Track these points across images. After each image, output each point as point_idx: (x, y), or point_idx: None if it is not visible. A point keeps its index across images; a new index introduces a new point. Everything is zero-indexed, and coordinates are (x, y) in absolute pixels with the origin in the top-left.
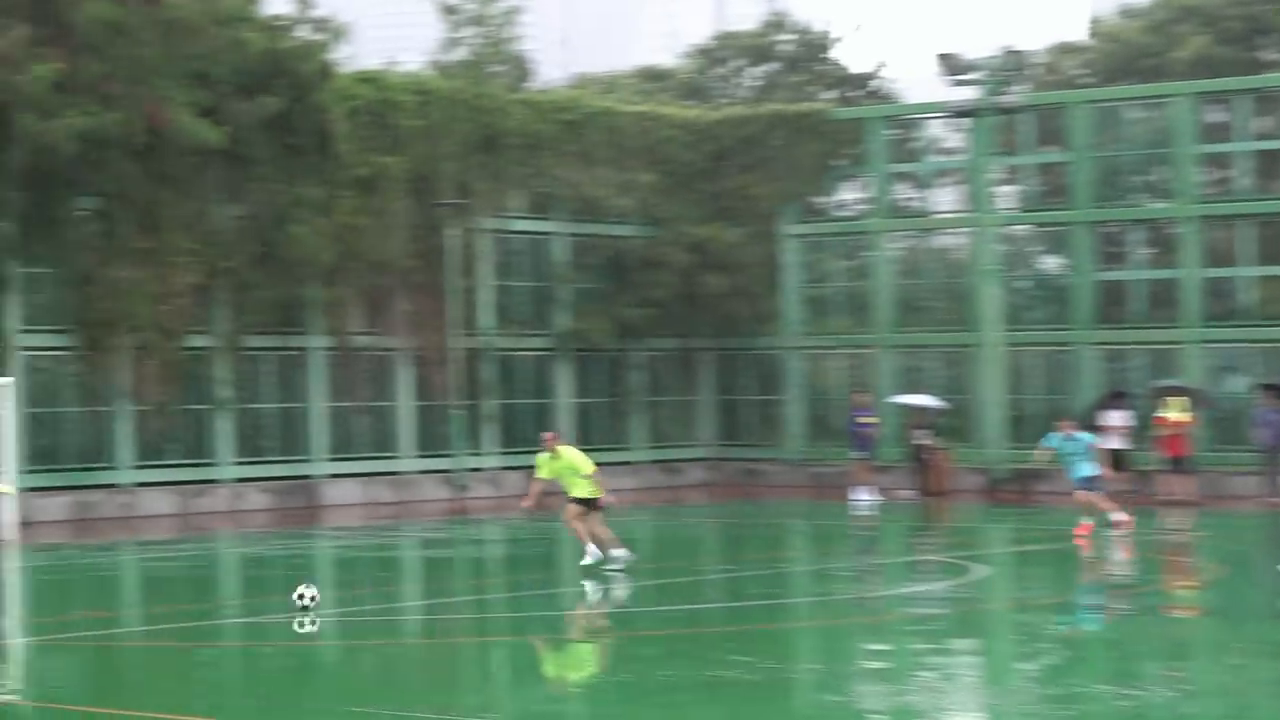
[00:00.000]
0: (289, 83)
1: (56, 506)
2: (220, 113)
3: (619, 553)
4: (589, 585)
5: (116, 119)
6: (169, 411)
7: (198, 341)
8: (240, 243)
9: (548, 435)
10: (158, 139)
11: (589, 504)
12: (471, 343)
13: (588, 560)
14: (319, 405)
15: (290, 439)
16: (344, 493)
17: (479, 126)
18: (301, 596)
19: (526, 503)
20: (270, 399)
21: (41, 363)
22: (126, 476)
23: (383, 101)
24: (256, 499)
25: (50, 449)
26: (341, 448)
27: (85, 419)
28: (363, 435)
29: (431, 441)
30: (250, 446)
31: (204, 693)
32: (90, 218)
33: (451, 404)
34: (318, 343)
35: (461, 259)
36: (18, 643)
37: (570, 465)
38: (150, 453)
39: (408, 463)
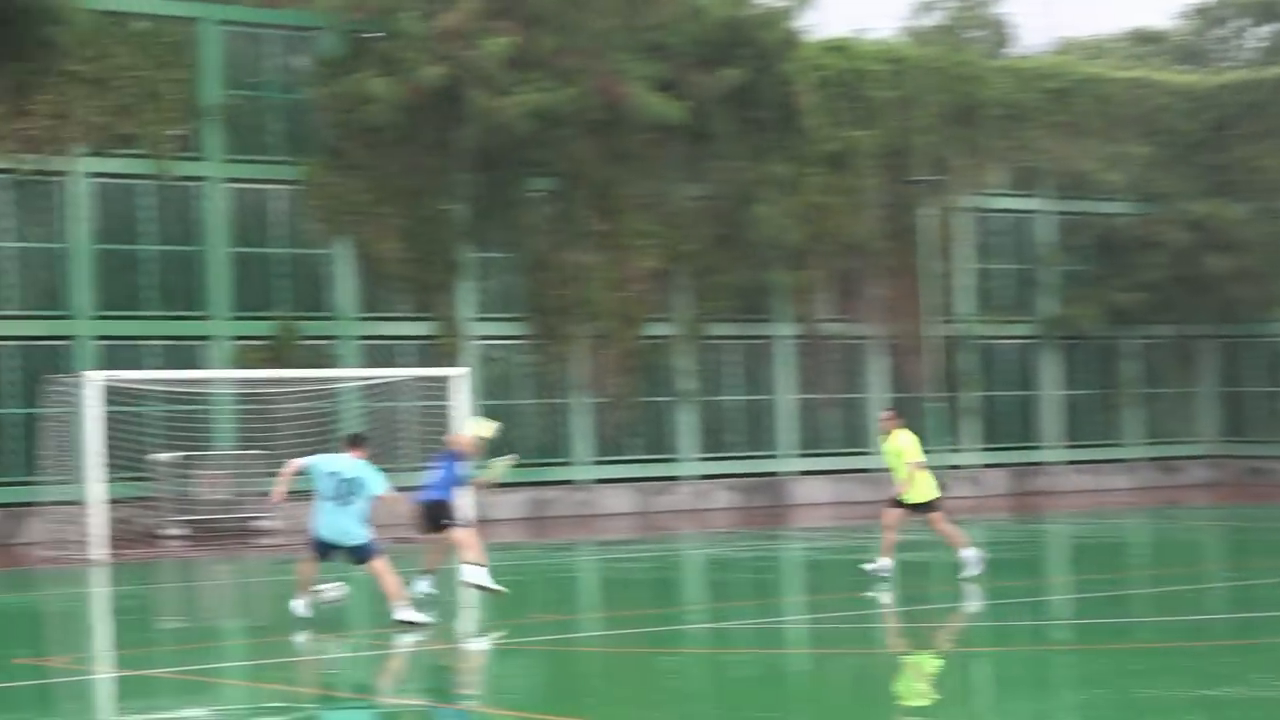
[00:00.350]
0: (752, 53)
1: (513, 504)
2: (679, 86)
3: (969, 554)
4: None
5: (571, 95)
6: (628, 404)
7: (658, 330)
8: (701, 224)
9: (883, 414)
10: (614, 115)
11: (915, 509)
12: (949, 330)
13: (871, 567)
14: (786, 397)
15: (756, 433)
16: (813, 491)
17: (956, 96)
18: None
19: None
20: (734, 391)
21: (495, 353)
22: (584, 473)
23: (852, 71)
24: (721, 497)
25: (502, 445)
26: (810, 443)
27: (541, 412)
28: (833, 430)
29: None
30: (714, 441)
31: (666, 701)
32: (544, 199)
33: (928, 396)
34: (784, 330)
35: (938, 240)
36: (476, 647)
37: (895, 453)
38: (609, 448)
39: (880, 459)
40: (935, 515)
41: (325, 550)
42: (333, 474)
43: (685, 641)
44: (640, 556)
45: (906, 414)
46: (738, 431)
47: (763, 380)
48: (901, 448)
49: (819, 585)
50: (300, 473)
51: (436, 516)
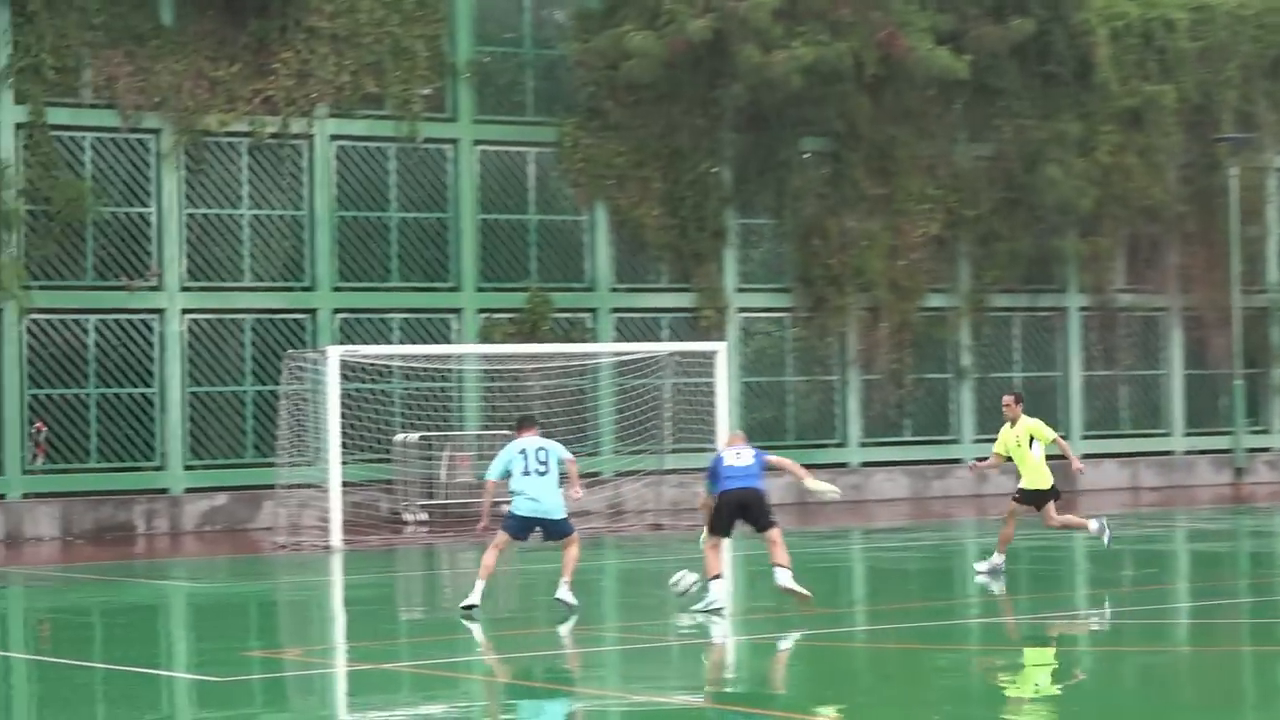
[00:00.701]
0: (1043, 3)
1: (776, 489)
2: (964, 38)
3: (1095, 525)
4: None
5: (847, 49)
6: (903, 382)
7: (936, 301)
8: (986, 187)
9: (1007, 398)
10: (893, 70)
11: (1038, 498)
12: (1256, 300)
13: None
14: (1075, 374)
15: (1041, 414)
16: (1102, 476)
17: (1266, 47)
18: (676, 584)
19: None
20: (1019, 367)
21: (759, 326)
22: (855, 455)
23: (1153, 21)
24: (1002, 482)
25: (767, 424)
26: (1100, 423)
27: (808, 390)
28: (1125, 409)
29: (1206, 417)
30: (995, 422)
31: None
32: (816, 161)
33: (1232, 373)
34: (1074, 302)
35: (1245, 203)
36: (738, 642)
37: (1020, 441)
38: (882, 428)
39: (1177, 441)
40: (1052, 505)
41: (525, 528)
42: (523, 451)
43: (958, 638)
44: (913, 545)
45: (1212, 393)
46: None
47: (1049, 356)
48: (1033, 432)
49: (1102, 578)
50: (498, 483)
51: (758, 509)
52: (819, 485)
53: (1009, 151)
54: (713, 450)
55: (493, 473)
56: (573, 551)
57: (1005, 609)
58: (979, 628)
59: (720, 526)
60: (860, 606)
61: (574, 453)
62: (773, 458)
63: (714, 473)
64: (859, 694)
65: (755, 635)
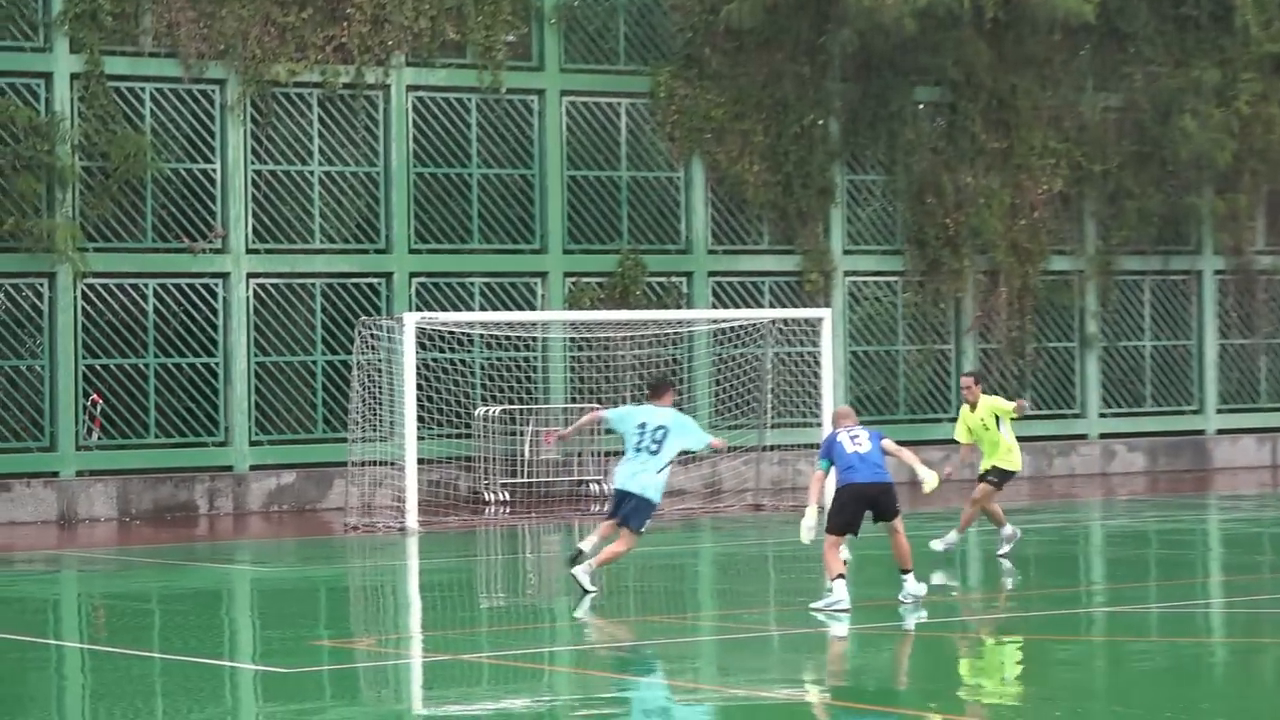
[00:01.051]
0: None
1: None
2: None
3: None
4: None
5: None
6: (1023, 351)
7: (1059, 264)
8: (1114, 140)
9: (965, 379)
10: (1015, 14)
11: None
12: None
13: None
14: (1210, 342)
15: (1173, 385)
16: (1240, 453)
17: None
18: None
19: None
20: (1149, 334)
21: (868, 290)
22: None
23: None
24: (1130, 459)
25: (876, 396)
26: (1238, 396)
27: (920, 360)
28: (1265, 380)
29: None
30: (1124, 395)
31: (1059, 695)
32: (930, 113)
33: None
34: (1209, 264)
35: None
36: (840, 632)
37: (983, 422)
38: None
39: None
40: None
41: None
42: (642, 426)
43: (1083, 627)
44: (1034, 528)
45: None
46: (1152, 383)
47: (1182, 323)
48: (996, 410)
49: (1242, 564)
50: (599, 422)
51: (886, 503)
52: (927, 473)
53: (1139, 101)
54: (816, 425)
55: (598, 414)
56: (619, 548)
57: (1127, 598)
58: (1104, 618)
59: (842, 524)
60: (976, 594)
61: None
62: (889, 443)
63: (829, 456)
64: (970, 685)
65: (869, 626)
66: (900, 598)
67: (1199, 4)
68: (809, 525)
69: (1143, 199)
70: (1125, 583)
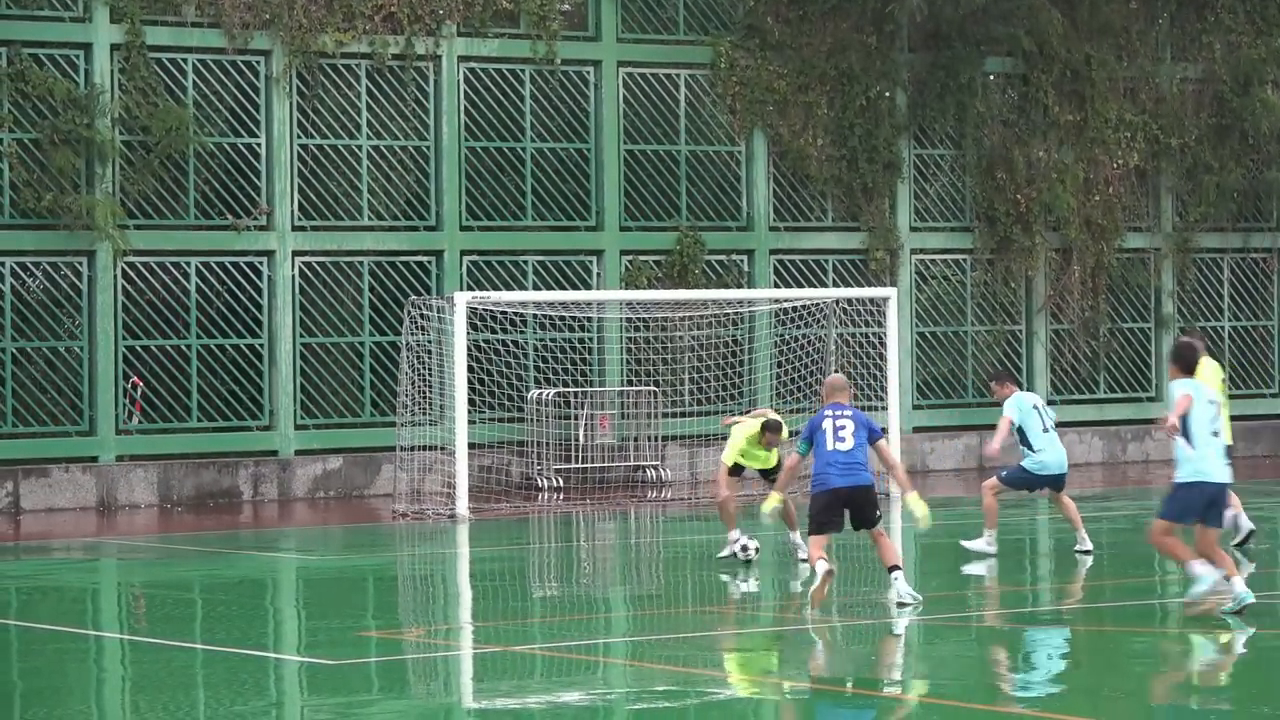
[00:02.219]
0: None
1: (950, 452)
2: None
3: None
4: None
5: None
6: (1098, 332)
7: (1135, 241)
8: (1193, 113)
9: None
10: None
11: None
12: None
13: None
14: None
15: (1253, 367)
16: None
17: None
18: (745, 549)
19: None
20: (1228, 314)
21: (935, 269)
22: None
23: None
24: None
25: (944, 379)
26: None
27: (990, 341)
28: None
29: None
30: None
31: (1135, 690)
32: (1001, 84)
33: None
34: None
35: None
36: (899, 626)
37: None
38: (1073, 384)
39: None
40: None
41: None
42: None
43: (1157, 619)
44: (1108, 515)
45: None
46: (1231, 365)
47: (1263, 302)
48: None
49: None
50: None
51: (866, 508)
52: (918, 506)
53: (1219, 72)
54: (882, 409)
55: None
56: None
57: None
58: (1176, 609)
59: (822, 524)
60: (1045, 585)
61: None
62: (883, 446)
63: (810, 440)
64: (1041, 681)
65: (928, 617)
66: (894, 599)
67: None
68: (766, 512)
69: (1222, 174)
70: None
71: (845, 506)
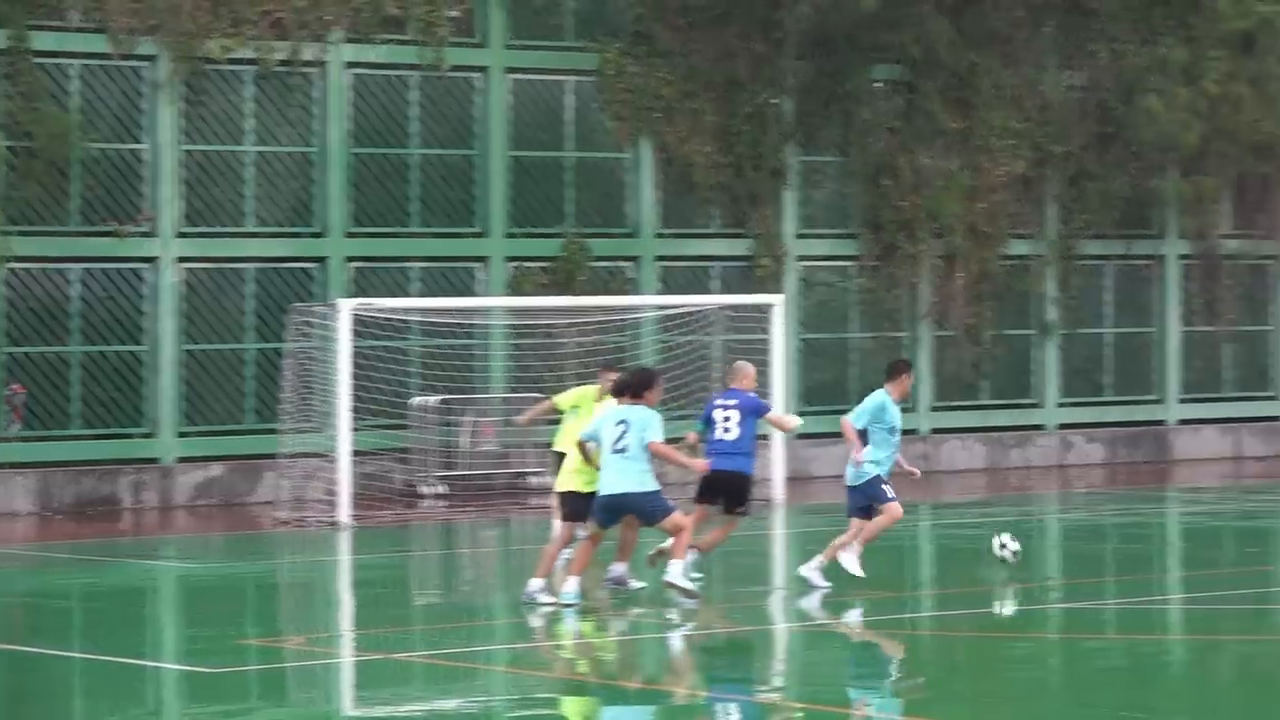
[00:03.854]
0: None
1: (835, 459)
2: None
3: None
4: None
5: None
6: (981, 339)
7: (1019, 248)
8: (1077, 121)
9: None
10: None
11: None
12: None
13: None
14: (1173, 330)
15: (1134, 374)
16: (1202, 444)
17: None
18: (1004, 546)
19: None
20: (1110, 322)
21: (820, 275)
22: (924, 421)
23: None
24: (1088, 451)
25: (828, 385)
26: (1201, 385)
27: (873, 348)
28: (1229, 370)
29: None
30: (1083, 383)
31: (1014, 695)
32: (888, 91)
33: None
34: (1174, 249)
35: None
36: (777, 629)
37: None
38: (956, 391)
39: None
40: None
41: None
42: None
43: (1037, 624)
44: (989, 522)
45: None
46: (1113, 371)
47: (1145, 310)
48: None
49: (1202, 559)
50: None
51: (737, 494)
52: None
53: (1104, 80)
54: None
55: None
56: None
57: (1086, 594)
58: (1060, 614)
59: (702, 498)
60: (927, 590)
61: None
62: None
63: (707, 422)
64: (918, 686)
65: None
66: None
67: None
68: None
69: (1105, 181)
70: (1079, 578)
71: (723, 489)
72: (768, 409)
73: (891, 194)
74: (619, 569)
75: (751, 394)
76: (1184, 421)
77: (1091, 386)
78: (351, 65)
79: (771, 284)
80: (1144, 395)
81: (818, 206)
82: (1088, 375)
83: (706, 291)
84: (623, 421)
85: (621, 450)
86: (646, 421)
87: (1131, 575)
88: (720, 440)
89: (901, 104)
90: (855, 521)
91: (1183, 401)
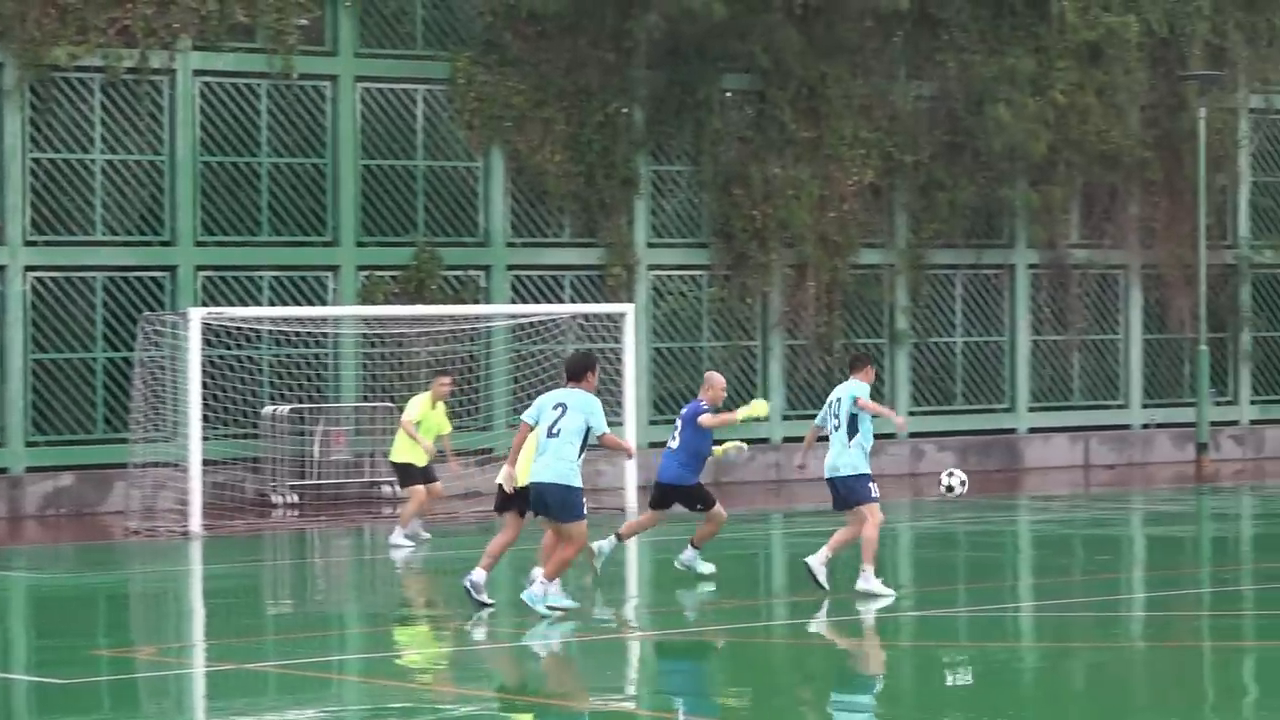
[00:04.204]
0: None
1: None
2: None
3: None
4: None
5: None
6: (832, 347)
7: (870, 257)
8: (927, 131)
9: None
10: (828, 0)
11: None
12: (1224, 257)
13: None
14: (1022, 339)
15: (984, 382)
16: (1051, 451)
17: None
18: (951, 490)
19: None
20: (960, 330)
21: (671, 285)
22: (776, 429)
23: None
24: (939, 459)
25: (681, 394)
26: (1050, 394)
27: (726, 356)
28: (1078, 378)
29: (1166, 387)
30: (932, 392)
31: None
32: (738, 101)
33: (1196, 338)
34: (1023, 258)
35: (1213, 148)
36: (650, 636)
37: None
38: (806, 399)
39: (1135, 413)
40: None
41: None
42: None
43: (892, 632)
44: (835, 529)
45: (1173, 360)
46: (962, 380)
47: (994, 318)
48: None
49: (1053, 566)
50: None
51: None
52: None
53: (953, 90)
54: (618, 425)
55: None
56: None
57: (935, 601)
58: (914, 622)
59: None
60: (780, 598)
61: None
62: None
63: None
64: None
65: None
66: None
67: None
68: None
69: (955, 191)
70: (930, 586)
71: (671, 498)
72: (701, 414)
73: (743, 203)
74: (538, 572)
75: (703, 402)
76: (1034, 430)
77: (942, 395)
78: (200, 73)
79: (623, 293)
80: (994, 404)
81: (669, 216)
82: (938, 384)
83: (558, 300)
84: (560, 405)
85: (555, 434)
86: (590, 408)
87: (982, 583)
88: (666, 449)
89: (752, 113)
90: (851, 515)
91: (1033, 410)
